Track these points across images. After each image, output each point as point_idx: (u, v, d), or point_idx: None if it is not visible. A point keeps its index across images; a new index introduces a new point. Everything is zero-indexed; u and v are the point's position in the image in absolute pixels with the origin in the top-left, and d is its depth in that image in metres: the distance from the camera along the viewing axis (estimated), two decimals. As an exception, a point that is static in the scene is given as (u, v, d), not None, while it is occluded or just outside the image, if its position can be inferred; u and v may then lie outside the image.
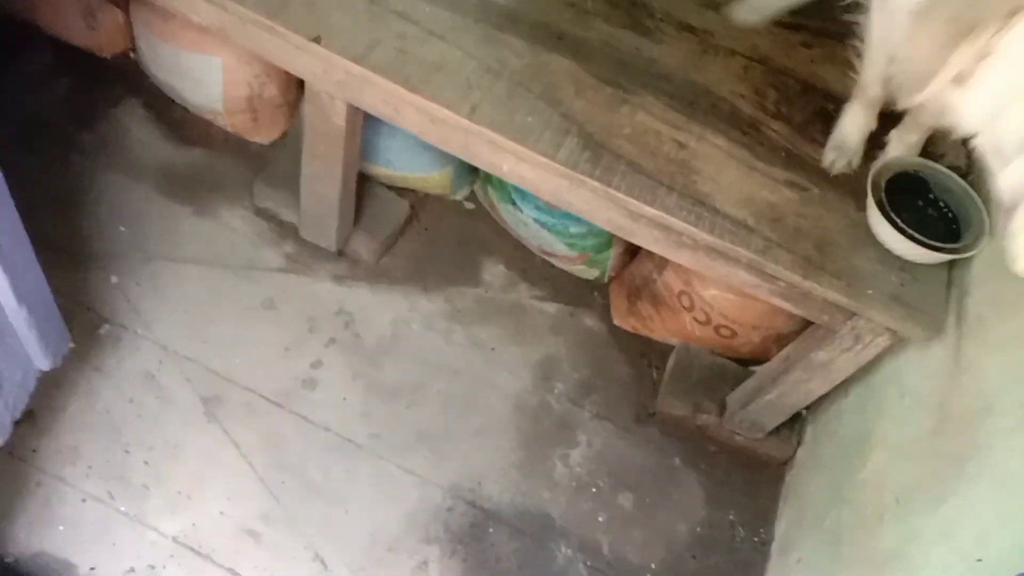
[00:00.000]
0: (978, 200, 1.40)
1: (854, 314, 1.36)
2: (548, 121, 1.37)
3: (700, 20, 1.61)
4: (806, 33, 1.65)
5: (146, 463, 1.59)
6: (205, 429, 1.65)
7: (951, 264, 1.40)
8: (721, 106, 1.50)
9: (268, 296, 1.83)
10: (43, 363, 1.44)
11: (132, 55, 2.01)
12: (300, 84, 1.97)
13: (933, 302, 1.36)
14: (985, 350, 1.25)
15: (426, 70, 1.38)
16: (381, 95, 1.40)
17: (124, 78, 2.01)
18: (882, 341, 1.39)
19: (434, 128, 1.41)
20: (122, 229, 1.83)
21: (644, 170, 1.36)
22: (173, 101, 2.00)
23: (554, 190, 1.40)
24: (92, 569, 1.49)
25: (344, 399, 1.75)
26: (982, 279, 1.35)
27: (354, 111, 1.50)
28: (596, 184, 1.33)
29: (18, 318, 1.28)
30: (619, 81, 1.46)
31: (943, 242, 1.36)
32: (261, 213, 1.91)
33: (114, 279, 1.76)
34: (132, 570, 1.50)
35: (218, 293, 1.81)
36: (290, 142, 1.96)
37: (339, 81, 1.41)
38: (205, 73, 1.83)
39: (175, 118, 1.99)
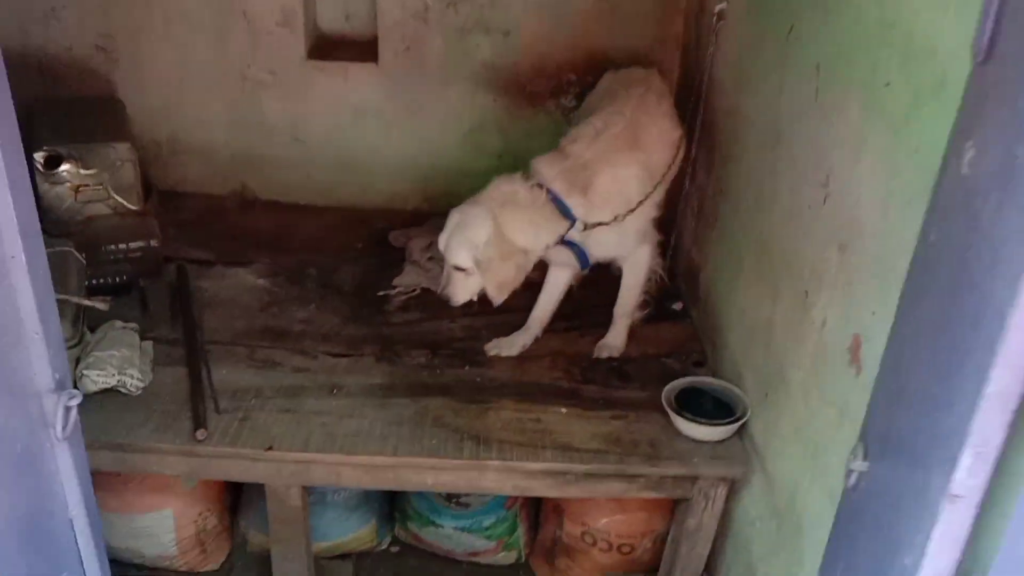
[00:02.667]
0: (735, 388, 2.09)
1: (695, 478, 1.96)
2: (446, 438, 1.95)
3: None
4: (577, 328, 2.41)
5: None
6: None
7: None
8: (548, 388, 2.16)
9: None
10: None
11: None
12: (232, 508, 2.43)
13: (736, 451, 1.99)
14: (775, 463, 1.88)
15: (351, 439, 1.93)
16: (325, 469, 1.92)
17: None
18: (722, 491, 1.99)
19: (369, 475, 1.94)
20: None
21: (522, 443, 1.96)
22: (123, 564, 2.34)
23: (469, 481, 1.94)
24: None
25: None
26: (754, 425, 2.02)
27: (305, 491, 1.99)
28: (496, 463, 1.90)
29: None
30: (478, 398, 2.10)
31: (723, 419, 2.02)
32: (230, 621, 2.24)
33: None
34: None
35: None
36: (235, 558, 2.36)
37: (292, 472, 1.92)
38: (159, 526, 2.24)
39: (132, 579, 2.34)
